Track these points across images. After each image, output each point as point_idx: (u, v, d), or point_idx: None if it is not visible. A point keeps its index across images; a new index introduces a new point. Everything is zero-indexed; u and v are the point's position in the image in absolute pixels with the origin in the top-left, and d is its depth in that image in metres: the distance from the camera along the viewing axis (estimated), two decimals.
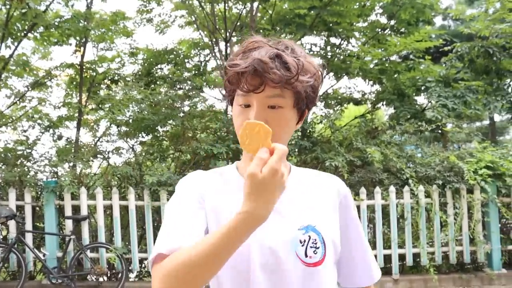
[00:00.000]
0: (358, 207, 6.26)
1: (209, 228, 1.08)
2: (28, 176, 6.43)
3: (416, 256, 6.33)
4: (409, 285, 6.18)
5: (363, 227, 6.15)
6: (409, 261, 6.29)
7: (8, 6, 6.53)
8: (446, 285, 6.19)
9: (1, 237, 6.06)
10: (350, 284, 1.25)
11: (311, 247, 1.09)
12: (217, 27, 8.09)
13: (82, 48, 7.99)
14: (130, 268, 6.08)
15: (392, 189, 6.23)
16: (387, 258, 6.28)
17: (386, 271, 6.32)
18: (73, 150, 7.15)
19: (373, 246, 6.30)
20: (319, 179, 1.22)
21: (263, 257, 1.04)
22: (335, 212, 1.18)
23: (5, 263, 5.85)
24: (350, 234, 1.22)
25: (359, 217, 6.21)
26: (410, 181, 6.27)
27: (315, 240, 1.10)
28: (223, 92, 1.26)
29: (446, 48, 8.10)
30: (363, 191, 6.20)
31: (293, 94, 1.05)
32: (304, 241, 1.08)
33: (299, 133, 7.73)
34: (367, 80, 8.50)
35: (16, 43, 7.10)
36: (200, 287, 0.93)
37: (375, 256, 6.20)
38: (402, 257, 6.37)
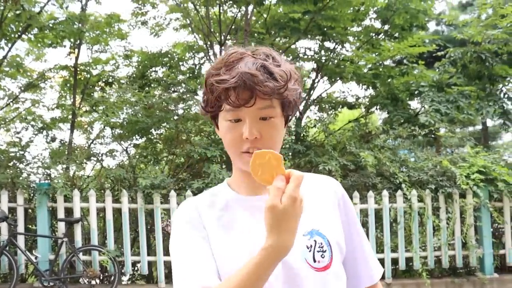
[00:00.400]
0: None
1: (218, 259, 1.06)
2: (21, 178, 6.39)
3: (408, 260, 6.35)
4: None
5: None
6: (401, 265, 6.31)
7: (2, 8, 6.51)
8: None
9: None
10: (352, 286, 1.23)
11: (318, 251, 1.08)
12: (212, 30, 8.10)
13: (76, 50, 7.97)
14: (122, 271, 6.06)
15: (385, 193, 6.26)
16: (380, 262, 6.25)
17: None
18: (66, 152, 7.12)
19: None
20: (315, 181, 1.21)
21: (275, 270, 1.00)
22: (335, 213, 1.17)
23: None
24: (351, 234, 1.21)
25: None
26: (403, 185, 6.30)
27: (321, 243, 1.09)
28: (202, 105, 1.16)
29: (439, 53, 8.15)
30: (356, 195, 6.22)
31: (281, 102, 1.06)
32: (311, 246, 1.08)
33: (293, 137, 7.75)
34: (361, 85, 8.54)
35: (10, 45, 7.07)
36: None
37: None
38: (395, 261, 6.39)
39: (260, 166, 0.96)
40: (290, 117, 1.13)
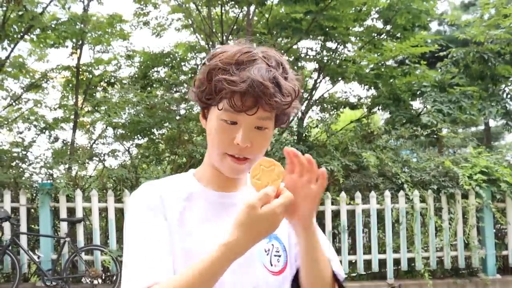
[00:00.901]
0: (354, 212, 6.27)
1: (175, 244, 1.02)
2: (23, 178, 6.42)
3: (411, 260, 6.34)
4: None
5: (358, 231, 6.19)
6: (404, 265, 6.30)
7: (4, 8, 6.52)
8: None
9: None
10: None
11: (274, 255, 1.09)
12: (214, 30, 8.11)
13: (78, 51, 7.99)
14: None
15: (387, 193, 6.25)
16: (382, 263, 6.29)
17: (381, 275, 6.33)
18: (68, 152, 7.14)
19: (368, 251, 6.32)
20: None
21: (233, 275, 1.00)
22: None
23: None
24: None
25: (355, 221, 6.25)
26: (405, 185, 6.29)
27: (278, 248, 1.10)
28: (194, 90, 1.08)
29: (441, 54, 8.13)
30: (358, 195, 6.22)
31: (278, 115, 1.04)
32: (269, 250, 1.09)
33: (295, 137, 7.75)
34: (363, 85, 8.53)
35: (12, 45, 7.09)
36: None
37: (370, 260, 6.22)
38: (397, 262, 6.38)
39: (262, 171, 0.96)
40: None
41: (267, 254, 1.08)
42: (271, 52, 1.04)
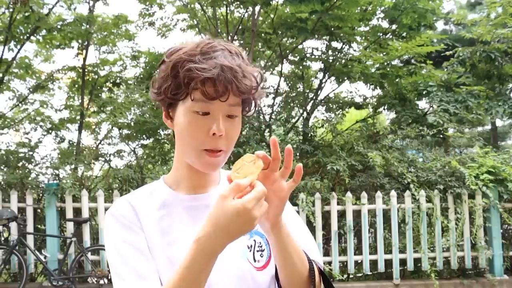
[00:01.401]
0: (359, 212, 6.26)
1: (158, 254, 1.02)
2: (30, 178, 6.45)
3: (417, 261, 6.31)
4: None
5: (364, 231, 6.17)
6: (410, 266, 6.28)
7: (11, 9, 6.56)
8: None
9: (3, 239, 6.06)
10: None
11: (257, 251, 1.08)
12: (219, 30, 8.11)
13: (84, 51, 8.02)
14: None
15: (393, 193, 6.23)
16: (388, 263, 6.27)
17: (387, 276, 6.31)
18: (74, 153, 7.17)
19: (374, 251, 6.30)
20: None
21: (218, 271, 0.99)
22: None
23: (6, 264, 5.87)
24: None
25: (361, 221, 6.23)
26: (411, 185, 6.27)
27: (260, 243, 1.09)
28: (155, 91, 1.06)
29: (447, 53, 8.10)
30: (364, 195, 6.20)
31: (243, 102, 1.04)
32: (251, 246, 1.08)
33: (300, 137, 7.74)
34: (368, 85, 8.50)
35: (19, 46, 7.13)
36: None
37: (376, 261, 6.20)
38: (403, 262, 6.36)
39: (243, 165, 0.94)
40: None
41: (250, 251, 1.07)
42: (229, 43, 1.05)
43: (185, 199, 1.09)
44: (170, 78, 1.00)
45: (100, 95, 8.54)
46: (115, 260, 1.00)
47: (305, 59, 8.67)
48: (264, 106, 8.28)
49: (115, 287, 0.98)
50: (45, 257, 5.87)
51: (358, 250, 6.49)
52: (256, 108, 1.10)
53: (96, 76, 8.34)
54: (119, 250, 1.01)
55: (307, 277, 1.05)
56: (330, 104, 8.97)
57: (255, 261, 1.07)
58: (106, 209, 6.13)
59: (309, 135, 7.64)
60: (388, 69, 8.17)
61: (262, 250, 1.09)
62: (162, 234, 1.04)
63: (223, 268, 1.02)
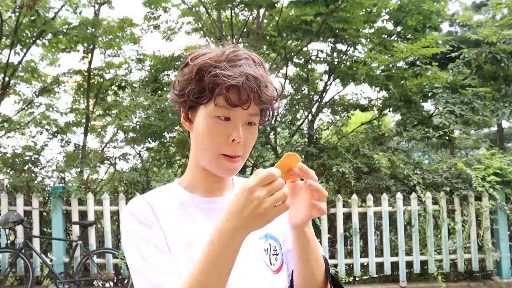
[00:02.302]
0: (365, 214, 6.23)
1: (178, 253, 1.02)
2: (36, 182, 6.47)
3: (423, 263, 6.28)
4: None
5: (370, 234, 6.14)
6: (416, 268, 6.24)
7: (17, 13, 6.59)
8: None
9: (9, 242, 6.08)
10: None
11: (273, 254, 1.10)
12: (224, 33, 8.12)
13: (89, 55, 8.06)
14: None
15: (399, 195, 6.20)
16: (394, 266, 6.24)
17: (393, 278, 6.28)
18: (80, 156, 7.19)
19: (380, 253, 6.27)
20: None
21: (236, 277, 0.99)
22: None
23: (12, 268, 5.89)
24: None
25: (366, 224, 6.20)
26: (417, 187, 6.24)
27: (275, 247, 1.11)
28: (176, 92, 1.06)
29: (453, 54, 8.07)
30: (370, 197, 6.18)
31: (262, 111, 1.06)
32: (267, 249, 1.10)
33: (306, 140, 7.72)
34: (373, 87, 8.48)
35: (25, 50, 7.16)
36: None
37: (382, 263, 6.17)
38: (409, 265, 6.32)
39: (282, 161, 0.95)
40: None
41: (267, 254, 1.09)
42: (252, 52, 1.08)
43: (202, 201, 1.10)
44: (194, 81, 1.02)
45: (105, 98, 8.56)
46: (135, 258, 1.01)
47: (310, 61, 8.66)
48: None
49: (136, 285, 0.99)
50: (51, 260, 5.89)
51: (364, 252, 6.47)
52: (272, 117, 1.13)
53: (102, 80, 8.37)
54: (139, 248, 1.01)
55: (323, 280, 1.08)
56: (335, 107, 8.95)
57: (271, 264, 1.09)
58: (111, 212, 6.15)
59: (314, 137, 7.63)
60: (393, 71, 8.14)
61: (277, 254, 1.11)
62: (180, 233, 1.04)
63: (243, 270, 1.02)
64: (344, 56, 8.40)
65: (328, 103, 8.86)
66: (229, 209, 0.89)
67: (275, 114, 1.13)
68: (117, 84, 8.71)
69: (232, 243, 0.89)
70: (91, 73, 8.08)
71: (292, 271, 1.10)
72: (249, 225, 0.87)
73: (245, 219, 0.86)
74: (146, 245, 1.01)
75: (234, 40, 7.93)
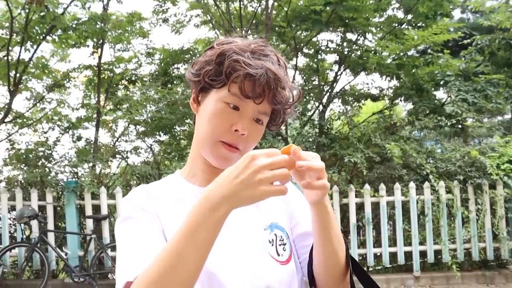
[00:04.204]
0: (378, 204, 6.20)
1: None
2: (49, 177, 6.53)
3: (437, 253, 6.24)
4: (431, 282, 6.11)
5: (383, 224, 6.11)
6: (430, 258, 6.21)
7: (27, 10, 6.62)
8: (469, 282, 6.09)
9: (25, 236, 6.16)
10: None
11: (279, 244, 1.06)
12: (233, 25, 8.08)
13: (99, 50, 8.08)
14: None
15: (412, 185, 6.15)
16: (408, 255, 6.21)
17: (407, 268, 6.25)
18: (92, 151, 7.24)
19: (393, 243, 6.24)
20: None
21: (242, 266, 0.98)
22: (284, 202, 1.13)
23: (28, 262, 5.96)
24: (303, 219, 1.12)
25: (379, 214, 6.17)
26: (430, 176, 6.19)
27: (281, 236, 1.07)
28: (193, 71, 1.05)
29: (465, 42, 7.96)
30: (382, 187, 6.14)
31: (273, 113, 1.04)
32: (273, 240, 1.06)
33: (317, 130, 7.69)
34: (384, 76, 8.40)
35: (35, 46, 7.20)
36: None
37: (395, 253, 6.14)
38: (423, 254, 6.29)
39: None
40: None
41: (272, 245, 1.05)
42: (279, 53, 1.06)
43: (200, 191, 1.04)
44: (213, 63, 1.00)
45: (116, 92, 8.60)
46: (123, 236, 0.97)
47: (320, 51, 8.60)
48: None
49: (118, 264, 0.94)
50: (66, 254, 5.96)
51: (377, 242, 6.44)
52: (281, 124, 1.10)
53: (112, 74, 8.40)
54: (129, 229, 0.97)
55: (344, 263, 1.01)
56: (346, 97, 8.90)
57: (278, 255, 1.05)
58: None
59: (326, 127, 7.59)
60: (404, 60, 8.05)
61: (284, 244, 1.07)
62: (176, 223, 0.99)
63: (246, 264, 1.00)
64: (354, 45, 8.33)
65: (338, 93, 8.81)
66: (222, 174, 0.82)
67: (285, 122, 1.06)
68: (127, 78, 8.74)
69: (214, 213, 0.81)
70: (101, 68, 8.10)
71: (311, 250, 1.04)
72: (238, 195, 0.79)
73: (236, 185, 0.79)
74: (137, 225, 0.97)
75: (243, 32, 7.90)
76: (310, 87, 9.02)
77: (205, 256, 0.84)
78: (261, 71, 0.95)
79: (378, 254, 6.30)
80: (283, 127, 7.65)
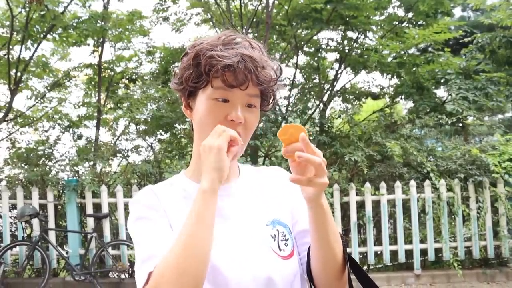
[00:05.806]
0: (378, 202, 6.20)
1: None
2: (50, 175, 6.54)
3: (438, 251, 6.24)
4: (431, 280, 6.11)
5: (384, 222, 6.11)
6: (431, 256, 6.21)
7: (27, 9, 6.62)
8: (470, 280, 6.09)
9: (25, 235, 6.17)
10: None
11: (281, 240, 1.08)
12: (233, 24, 8.07)
13: (99, 48, 8.08)
14: None
15: (412, 183, 6.15)
16: (409, 253, 6.21)
17: (407, 266, 6.25)
18: (93, 149, 7.24)
19: (394, 241, 6.24)
20: (262, 173, 1.21)
21: (246, 263, 1.00)
22: (287, 199, 1.16)
23: (29, 260, 5.97)
24: (301, 216, 1.14)
25: (380, 212, 6.18)
26: (431, 174, 6.18)
27: (284, 232, 1.10)
28: (176, 81, 1.10)
29: (466, 40, 7.95)
30: (383, 185, 6.14)
31: (262, 94, 1.06)
32: (275, 235, 1.08)
33: (317, 128, 7.69)
34: (385, 74, 8.40)
35: (35, 45, 7.20)
36: (201, 279, 0.90)
37: (396, 251, 6.14)
38: (423, 253, 6.29)
39: (288, 130, 0.95)
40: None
41: (274, 240, 1.07)
42: (249, 37, 1.09)
43: None
44: (191, 67, 1.04)
45: (116, 91, 8.60)
46: (138, 234, 1.02)
47: (321, 50, 8.59)
48: (280, 98, 8.22)
49: (136, 259, 0.99)
50: (67, 253, 5.97)
51: (378, 241, 6.44)
52: (275, 103, 1.13)
53: (112, 73, 8.40)
54: (141, 225, 1.03)
55: (341, 261, 1.03)
56: (346, 95, 8.90)
57: (280, 250, 1.07)
58: (125, 204, 6.20)
59: (326, 126, 7.59)
60: (405, 58, 8.06)
61: (286, 240, 1.09)
62: (183, 220, 1.02)
63: (249, 258, 1.01)
64: (355, 44, 8.32)
65: (339, 92, 8.81)
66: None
67: (277, 99, 1.11)
68: (127, 77, 8.74)
69: (204, 190, 0.93)
70: (102, 67, 8.10)
71: (309, 249, 1.06)
72: (213, 167, 0.93)
73: (207, 165, 0.94)
74: (148, 223, 1.02)
75: (244, 31, 7.89)
76: (310, 85, 9.02)
77: (213, 234, 0.93)
78: (236, 59, 0.98)
79: (379, 252, 6.30)
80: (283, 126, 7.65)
